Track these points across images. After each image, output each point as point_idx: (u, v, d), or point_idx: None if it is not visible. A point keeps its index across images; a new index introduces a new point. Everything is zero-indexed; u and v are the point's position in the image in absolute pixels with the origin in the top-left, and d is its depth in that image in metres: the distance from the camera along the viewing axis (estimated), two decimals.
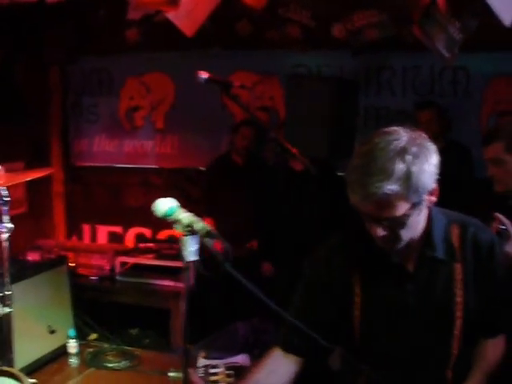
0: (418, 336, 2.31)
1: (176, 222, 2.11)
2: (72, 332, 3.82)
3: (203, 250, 2.07)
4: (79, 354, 3.80)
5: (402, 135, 2.10)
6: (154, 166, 7.19)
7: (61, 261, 4.29)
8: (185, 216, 2.11)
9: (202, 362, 3.53)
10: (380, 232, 2.14)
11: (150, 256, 5.69)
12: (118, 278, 5.63)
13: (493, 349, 2.42)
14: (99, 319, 4.58)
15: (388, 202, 2.04)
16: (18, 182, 3.59)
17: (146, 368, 3.62)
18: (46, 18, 6.24)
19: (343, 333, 2.41)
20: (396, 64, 6.13)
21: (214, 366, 3.44)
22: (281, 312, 2.22)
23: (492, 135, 3.24)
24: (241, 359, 3.57)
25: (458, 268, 2.28)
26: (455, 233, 2.32)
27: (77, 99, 7.38)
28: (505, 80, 5.77)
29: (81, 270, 5.68)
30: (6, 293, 3.22)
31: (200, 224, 2.09)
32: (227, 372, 3.37)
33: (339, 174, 5.36)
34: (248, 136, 6.04)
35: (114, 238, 7.30)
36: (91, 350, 3.91)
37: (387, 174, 2.01)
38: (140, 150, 7.20)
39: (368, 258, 2.32)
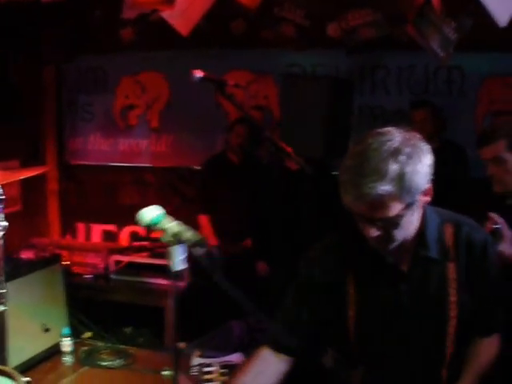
0: (412, 336, 2.31)
1: (163, 230, 2.08)
2: (66, 330, 3.82)
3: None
4: (73, 352, 3.80)
5: (395, 136, 2.09)
6: (148, 165, 7.18)
7: (55, 259, 4.29)
8: (172, 225, 2.08)
9: (196, 360, 3.54)
10: (373, 232, 2.13)
11: (145, 254, 5.70)
12: (112, 276, 5.64)
13: (487, 348, 2.42)
14: (93, 317, 4.59)
15: (381, 202, 2.04)
16: (12, 180, 3.59)
17: (140, 366, 3.62)
18: (43, 18, 6.23)
19: (338, 333, 2.41)
20: (391, 63, 6.13)
21: (208, 365, 3.45)
22: (267, 320, 2.22)
23: (491, 134, 3.21)
24: (235, 358, 3.57)
25: (451, 267, 2.28)
26: (449, 232, 2.32)
27: (72, 98, 7.37)
28: (499, 80, 5.78)
29: (75, 269, 5.69)
30: (1, 291, 3.21)
31: (188, 233, 2.05)
32: (222, 371, 3.38)
33: (334, 173, 5.37)
34: (242, 134, 6.03)
35: (109, 236, 7.30)
36: (85, 348, 3.92)
37: (380, 175, 2.01)
38: (135, 149, 7.19)
39: (362, 258, 2.31)
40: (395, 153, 2.04)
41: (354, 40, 5.99)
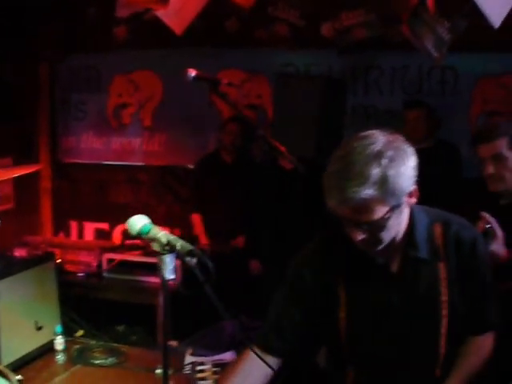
0: (404, 336, 2.31)
1: (153, 240, 2.07)
2: (59, 328, 3.81)
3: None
4: (66, 350, 3.79)
5: (378, 139, 2.09)
6: (141, 164, 7.17)
7: (48, 257, 4.27)
8: (162, 234, 2.07)
9: (189, 358, 3.54)
10: (359, 235, 2.13)
11: (137, 253, 5.69)
12: (104, 274, 5.64)
13: (479, 347, 2.41)
14: (86, 316, 4.58)
15: (365, 206, 2.05)
16: (5, 178, 3.59)
17: (133, 365, 3.61)
18: (37, 16, 6.22)
19: (328, 333, 2.40)
20: (384, 63, 6.13)
21: (200, 363, 3.45)
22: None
23: (490, 132, 3.21)
24: (228, 356, 3.57)
25: (441, 267, 2.29)
26: (438, 231, 2.33)
27: (65, 96, 7.35)
28: (493, 80, 5.79)
29: (68, 267, 5.68)
30: None
31: (180, 243, 2.05)
32: (214, 369, 3.37)
33: None
34: (234, 132, 6.03)
35: (101, 234, 7.29)
36: (78, 346, 3.90)
37: (364, 179, 2.01)
38: (127, 148, 7.18)
39: (352, 259, 2.31)
40: (377, 156, 2.04)
41: (346, 40, 6.00)
